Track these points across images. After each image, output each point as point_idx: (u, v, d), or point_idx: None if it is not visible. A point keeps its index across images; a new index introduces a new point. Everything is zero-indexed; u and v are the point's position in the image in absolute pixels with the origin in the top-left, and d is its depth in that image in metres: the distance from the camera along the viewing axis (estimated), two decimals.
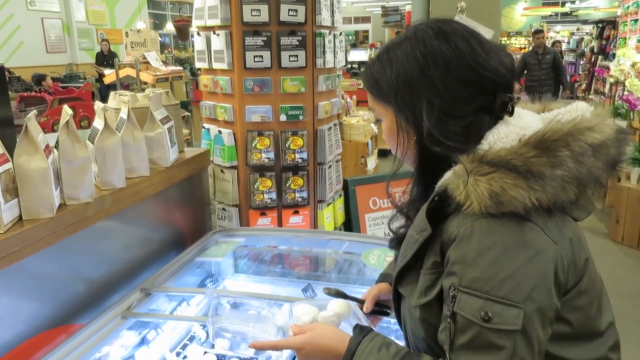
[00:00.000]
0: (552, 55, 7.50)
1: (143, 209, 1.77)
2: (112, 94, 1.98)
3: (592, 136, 0.83)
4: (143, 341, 1.56)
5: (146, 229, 1.83)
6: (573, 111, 0.88)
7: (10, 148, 1.29)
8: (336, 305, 1.14)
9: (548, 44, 10.69)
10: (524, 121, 0.88)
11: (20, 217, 1.31)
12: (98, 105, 1.67)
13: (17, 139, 1.31)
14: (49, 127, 5.68)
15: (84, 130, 1.69)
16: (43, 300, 1.39)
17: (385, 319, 1.29)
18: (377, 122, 1.12)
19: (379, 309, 1.24)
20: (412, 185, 1.05)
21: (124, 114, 1.69)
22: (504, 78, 0.88)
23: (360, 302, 1.24)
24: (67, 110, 1.43)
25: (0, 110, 1.57)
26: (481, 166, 0.81)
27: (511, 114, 0.89)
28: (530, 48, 8.53)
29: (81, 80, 9.81)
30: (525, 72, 7.68)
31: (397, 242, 1.07)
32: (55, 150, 1.41)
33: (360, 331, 0.95)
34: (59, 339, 1.36)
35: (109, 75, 6.15)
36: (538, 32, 7.89)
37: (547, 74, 7.39)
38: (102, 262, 1.60)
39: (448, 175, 0.86)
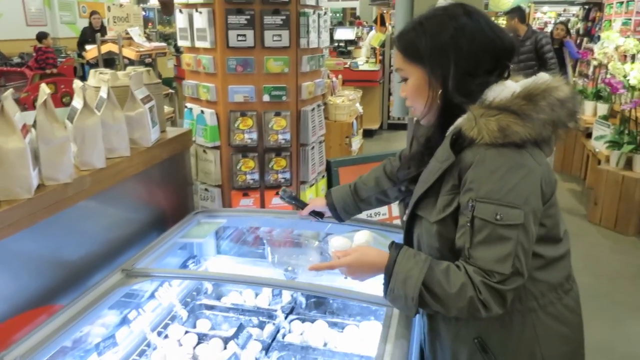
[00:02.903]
0: (532, 41, 5.90)
1: (124, 189, 1.76)
2: (91, 72, 1.95)
3: (557, 93, 1.11)
4: (124, 321, 1.58)
5: (127, 209, 1.82)
6: (541, 78, 1.15)
7: None
8: (363, 235, 1.43)
9: (536, 26, 9.36)
10: (508, 84, 1.16)
11: None
12: (77, 83, 1.64)
13: None
14: (30, 103, 5.57)
15: (66, 108, 1.66)
16: (23, 281, 1.38)
17: None
18: (403, 81, 1.26)
19: (313, 215, 1.73)
20: (410, 143, 1.40)
21: (103, 93, 1.67)
22: (508, 49, 1.17)
23: (304, 204, 1.73)
24: (44, 89, 1.41)
25: None
26: (490, 110, 1.09)
27: (508, 77, 1.18)
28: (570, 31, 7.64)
29: (63, 55, 9.60)
30: None
31: (405, 193, 1.44)
32: (33, 130, 1.40)
33: (397, 246, 1.19)
34: (40, 319, 1.37)
35: (91, 50, 6.02)
36: (508, 13, 6.23)
37: (526, 67, 5.76)
38: (83, 243, 1.60)
39: (460, 120, 1.13)
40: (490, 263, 1.05)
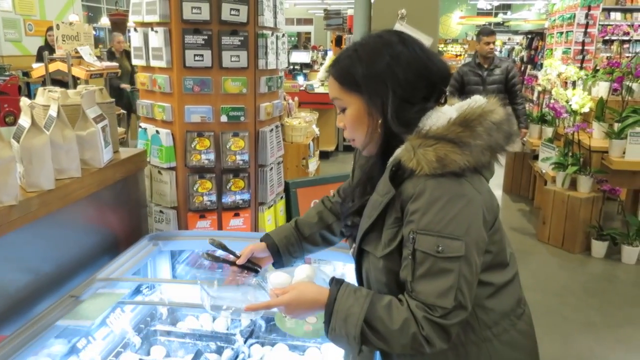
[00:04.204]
0: (503, 70, 4.94)
1: (74, 212, 1.68)
2: (40, 89, 1.87)
3: (493, 117, 1.11)
4: (72, 350, 1.49)
5: (77, 233, 1.74)
6: (476, 102, 1.15)
7: None
8: (303, 270, 1.33)
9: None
10: (444, 109, 1.15)
11: None
12: (24, 101, 1.57)
13: None
14: None
15: (9, 128, 1.58)
16: None
17: None
18: (341, 112, 1.21)
19: (250, 266, 1.46)
20: (352, 173, 1.38)
21: (53, 112, 1.60)
22: (444, 75, 1.17)
23: (236, 257, 1.46)
24: None
25: None
26: (427, 140, 1.07)
27: (445, 102, 1.18)
28: (468, 57, 7.28)
29: (6, 74, 9.22)
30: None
31: (351, 227, 1.32)
32: None
33: (337, 282, 1.15)
34: None
35: (38, 69, 5.81)
36: (489, 34, 4.98)
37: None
38: (28, 269, 1.51)
39: (399, 151, 1.11)
40: (432, 297, 1.03)
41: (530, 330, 1.27)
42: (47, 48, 7.59)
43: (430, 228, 1.04)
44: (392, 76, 1.10)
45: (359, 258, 1.23)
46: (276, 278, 1.31)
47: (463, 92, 4.81)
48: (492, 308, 1.17)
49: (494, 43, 4.97)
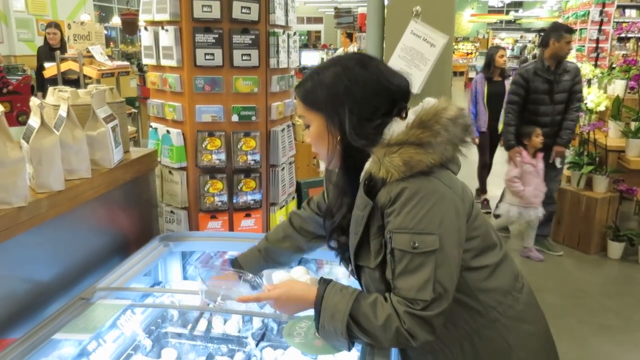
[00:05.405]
0: (572, 75, 4.08)
1: (84, 213, 1.67)
2: (50, 89, 1.85)
3: (447, 114, 1.17)
4: (83, 353, 1.47)
5: (87, 234, 1.73)
6: (429, 102, 1.21)
7: None
8: (297, 271, 1.52)
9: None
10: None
11: None
12: (34, 101, 1.55)
13: None
14: None
15: (22, 127, 1.57)
16: None
17: None
18: (306, 128, 1.29)
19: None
20: (325, 191, 1.49)
21: (63, 112, 1.59)
22: (404, 92, 1.24)
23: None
24: None
25: None
26: (390, 148, 1.13)
27: (406, 116, 1.21)
28: (480, 55, 6.82)
29: (19, 73, 9.29)
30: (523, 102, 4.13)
31: (338, 248, 1.39)
32: None
33: (324, 281, 1.22)
34: None
35: (50, 68, 5.83)
36: (571, 30, 4.24)
37: (564, 110, 4.10)
38: (38, 271, 1.49)
39: (368, 164, 1.17)
40: (412, 292, 1.08)
41: (533, 300, 1.32)
42: (47, 48, 7.14)
43: (404, 226, 1.10)
44: (350, 97, 1.18)
45: (358, 275, 1.28)
46: (277, 276, 1.42)
47: (528, 99, 4.13)
48: (492, 288, 1.22)
49: (569, 42, 4.12)
